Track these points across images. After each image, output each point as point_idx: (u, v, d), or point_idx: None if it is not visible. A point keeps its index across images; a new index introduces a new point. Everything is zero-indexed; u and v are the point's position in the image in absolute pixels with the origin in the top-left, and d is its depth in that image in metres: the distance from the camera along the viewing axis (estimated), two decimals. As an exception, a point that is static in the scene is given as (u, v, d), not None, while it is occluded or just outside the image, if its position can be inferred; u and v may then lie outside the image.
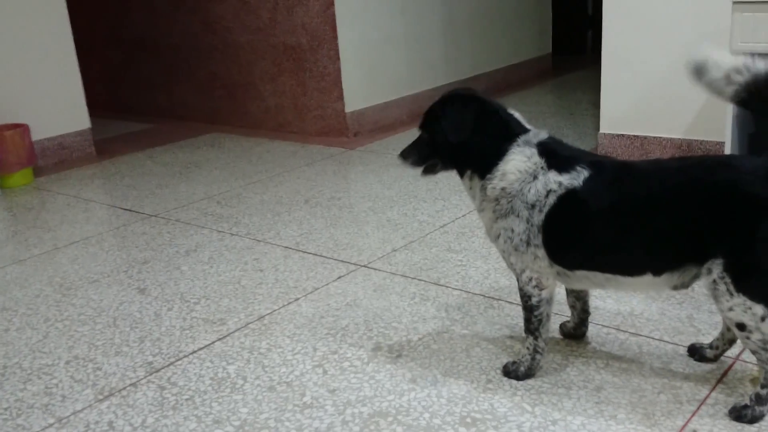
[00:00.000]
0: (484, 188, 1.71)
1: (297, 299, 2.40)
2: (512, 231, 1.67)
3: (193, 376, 1.97)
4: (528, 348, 1.80)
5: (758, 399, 1.61)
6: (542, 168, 1.64)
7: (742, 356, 1.86)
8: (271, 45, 4.64)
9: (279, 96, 4.74)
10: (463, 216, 3.02)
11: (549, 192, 1.62)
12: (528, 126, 1.74)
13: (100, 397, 1.90)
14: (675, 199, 1.54)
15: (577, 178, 1.60)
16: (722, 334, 1.82)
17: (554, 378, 1.83)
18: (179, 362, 2.05)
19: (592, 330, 2.04)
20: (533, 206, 1.63)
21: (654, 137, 3.32)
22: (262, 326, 2.23)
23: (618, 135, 3.42)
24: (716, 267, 1.53)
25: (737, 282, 1.50)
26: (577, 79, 5.89)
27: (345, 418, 1.74)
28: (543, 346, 1.79)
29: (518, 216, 1.65)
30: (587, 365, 1.88)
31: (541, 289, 1.72)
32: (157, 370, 2.01)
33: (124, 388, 1.93)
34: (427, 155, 1.80)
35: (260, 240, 2.96)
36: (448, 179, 3.46)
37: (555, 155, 1.65)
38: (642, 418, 1.65)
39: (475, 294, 2.32)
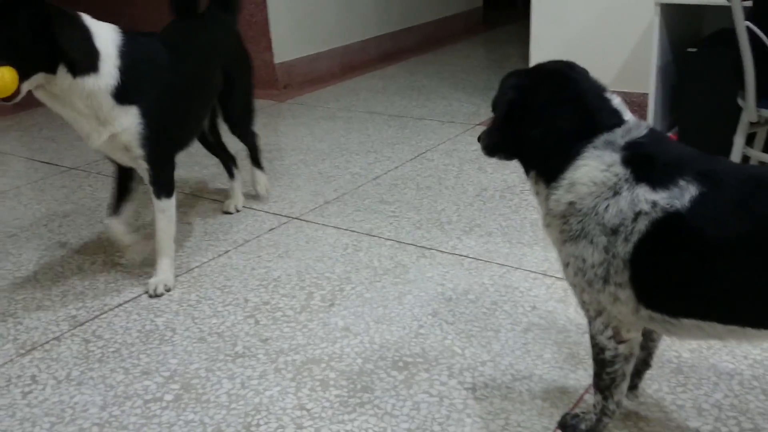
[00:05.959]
0: (548, 198, 1.31)
1: (227, 251, 2.36)
2: (584, 261, 1.26)
3: (119, 329, 1.92)
4: (595, 406, 1.43)
5: None
6: (627, 180, 1.20)
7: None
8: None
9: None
10: (395, 168, 3.02)
11: (638, 214, 1.19)
12: (626, 116, 1.28)
13: (22, 351, 1.84)
14: None
15: (680, 196, 1.17)
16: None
17: (483, 322, 1.88)
18: (104, 315, 1.99)
19: (519, 275, 2.09)
20: (615, 232, 1.21)
21: (581, 90, 3.39)
22: (192, 278, 2.18)
23: (546, 88, 3.48)
24: None
25: None
26: (507, 32, 5.92)
27: (278, 366, 1.73)
28: (613, 409, 1.41)
29: (592, 242, 1.24)
30: (515, 308, 1.93)
31: (618, 342, 1.32)
32: (81, 324, 1.95)
33: (47, 342, 1.87)
34: (495, 144, 1.40)
35: (190, 194, 2.88)
36: (380, 132, 3.45)
37: (649, 163, 1.21)
38: (567, 357, 1.72)
39: (407, 244, 2.34)
